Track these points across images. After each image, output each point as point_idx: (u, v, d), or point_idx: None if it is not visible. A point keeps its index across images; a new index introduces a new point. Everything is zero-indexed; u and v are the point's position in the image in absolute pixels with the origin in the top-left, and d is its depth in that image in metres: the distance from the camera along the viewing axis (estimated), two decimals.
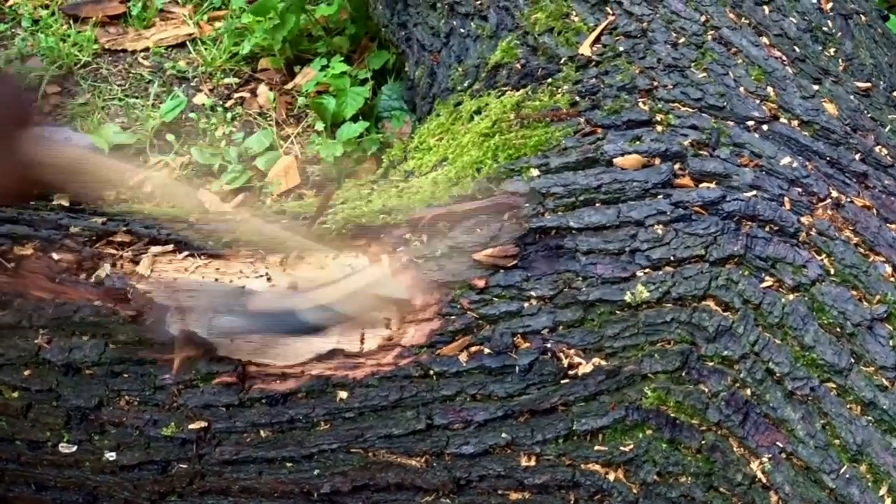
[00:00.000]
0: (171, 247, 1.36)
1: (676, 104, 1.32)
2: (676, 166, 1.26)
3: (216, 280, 1.31)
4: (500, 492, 1.25)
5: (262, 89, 2.15)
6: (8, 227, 1.34)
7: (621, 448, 1.21)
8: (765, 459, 1.11)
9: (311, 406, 1.25)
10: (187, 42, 2.23)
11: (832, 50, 1.39)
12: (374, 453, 1.24)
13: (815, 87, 1.32)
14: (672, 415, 1.19)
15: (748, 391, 1.14)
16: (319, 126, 2.02)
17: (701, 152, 1.26)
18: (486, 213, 1.30)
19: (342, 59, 2.11)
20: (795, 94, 1.30)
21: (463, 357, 1.23)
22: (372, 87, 2.08)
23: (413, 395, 1.23)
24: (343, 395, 1.24)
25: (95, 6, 2.27)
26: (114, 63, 2.20)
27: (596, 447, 1.21)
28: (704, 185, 1.24)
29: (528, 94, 1.43)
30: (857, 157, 1.24)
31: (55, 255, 1.34)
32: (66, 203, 1.52)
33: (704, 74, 1.34)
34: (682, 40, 1.38)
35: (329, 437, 1.25)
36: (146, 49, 2.22)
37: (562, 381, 1.21)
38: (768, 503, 1.10)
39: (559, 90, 1.40)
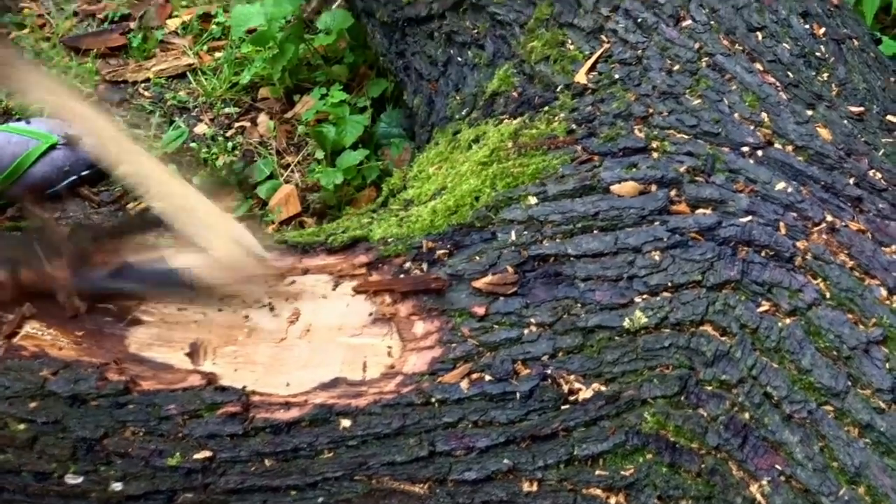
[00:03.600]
0: None
1: (672, 131, 1.32)
2: (673, 193, 1.26)
3: None
4: None
5: (263, 118, 2.15)
6: None
7: (622, 472, 1.20)
8: (764, 482, 1.11)
9: (315, 435, 1.24)
10: (187, 72, 2.24)
11: (825, 75, 1.39)
12: (378, 480, 1.24)
13: (809, 113, 1.32)
14: (672, 439, 1.19)
15: (747, 415, 1.14)
16: (319, 154, 2.03)
17: (697, 178, 1.27)
18: None
19: (341, 87, 2.11)
20: (789, 120, 1.31)
21: (464, 384, 1.23)
22: (371, 115, 2.08)
23: (416, 422, 1.23)
24: (346, 423, 1.24)
25: (96, 38, 2.28)
26: (115, 94, 2.20)
27: (597, 472, 1.21)
28: (700, 211, 1.24)
29: (526, 122, 1.44)
30: (852, 181, 1.24)
31: None
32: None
33: (699, 101, 1.34)
34: (677, 67, 1.39)
35: (333, 465, 1.24)
36: (147, 80, 2.22)
37: (562, 407, 1.21)
38: None
39: (556, 118, 1.41)
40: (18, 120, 2.06)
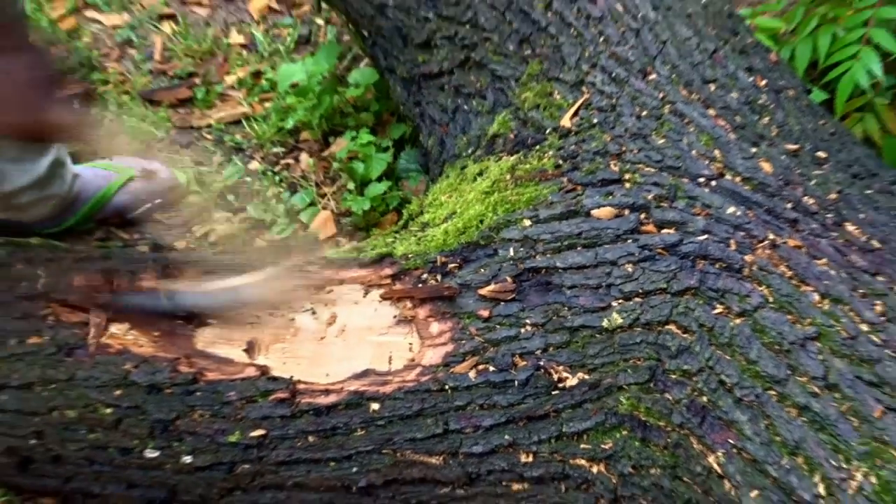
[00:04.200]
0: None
1: (641, 165, 1.32)
2: (642, 216, 1.26)
3: None
4: (503, 483, 1.25)
5: (304, 157, 2.15)
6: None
7: (602, 446, 1.21)
8: (719, 454, 1.11)
9: (350, 416, 1.25)
10: (242, 119, 2.24)
11: (766, 119, 1.39)
12: (401, 454, 1.24)
13: (754, 150, 1.33)
14: (643, 418, 1.19)
15: (704, 398, 1.14)
16: (351, 185, 2.03)
17: (662, 204, 1.26)
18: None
19: (368, 130, 2.11)
20: (737, 156, 1.31)
21: (472, 374, 1.23)
22: (393, 154, 2.08)
23: (432, 405, 1.23)
24: (375, 406, 1.24)
25: (168, 92, 2.28)
26: (183, 138, 2.21)
27: (581, 445, 1.21)
28: (665, 231, 1.24)
29: (521, 158, 1.44)
30: (789, 206, 1.25)
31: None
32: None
33: (663, 141, 1.34)
34: (645, 113, 1.38)
35: (364, 441, 1.25)
36: (209, 125, 2.22)
37: (553, 393, 1.21)
38: (723, 490, 1.10)
39: (545, 155, 1.41)
40: (103, 158, 2.06)
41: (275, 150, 2.16)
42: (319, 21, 2.44)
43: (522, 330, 1.24)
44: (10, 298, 1.42)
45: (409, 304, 1.31)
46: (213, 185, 2.04)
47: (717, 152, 1.32)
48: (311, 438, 1.25)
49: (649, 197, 1.28)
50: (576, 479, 1.23)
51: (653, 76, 1.43)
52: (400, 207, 1.99)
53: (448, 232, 1.38)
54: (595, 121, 1.41)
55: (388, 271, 1.35)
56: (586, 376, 1.21)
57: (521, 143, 1.47)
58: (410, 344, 1.28)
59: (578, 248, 1.27)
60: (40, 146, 1.71)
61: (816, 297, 1.13)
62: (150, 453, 1.30)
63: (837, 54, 1.94)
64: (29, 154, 1.70)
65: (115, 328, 1.36)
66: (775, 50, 1.82)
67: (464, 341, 1.26)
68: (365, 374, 1.27)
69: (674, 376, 1.17)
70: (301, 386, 1.27)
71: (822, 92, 1.98)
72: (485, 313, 1.26)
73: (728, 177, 1.28)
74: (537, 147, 1.44)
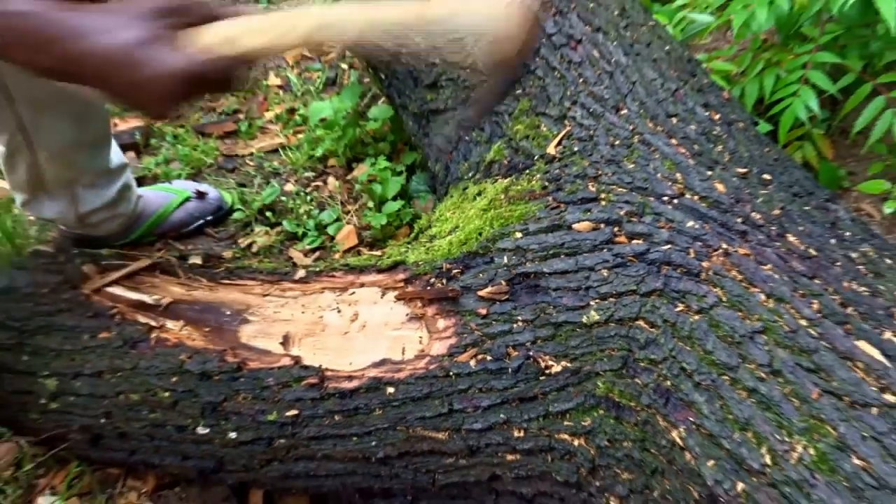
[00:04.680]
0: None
1: (615, 186, 1.32)
2: (615, 229, 1.26)
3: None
4: (499, 454, 1.24)
5: (331, 180, 2.16)
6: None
7: (582, 423, 1.20)
8: (681, 429, 1.10)
9: (369, 398, 1.25)
10: (279, 149, 2.24)
11: (720, 147, 1.39)
12: (413, 430, 1.25)
13: (709, 173, 1.32)
14: (617, 399, 1.18)
15: (668, 382, 1.14)
16: (370, 204, 2.03)
17: (632, 219, 1.26)
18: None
19: (385, 158, 2.11)
20: (695, 178, 1.31)
21: (472, 363, 1.23)
22: (405, 177, 2.08)
23: (439, 389, 1.23)
24: (391, 390, 1.25)
25: (216, 125, 2.29)
26: (229, 164, 2.21)
27: (565, 423, 1.21)
28: (635, 241, 1.24)
29: (513, 181, 1.43)
30: (740, 220, 1.24)
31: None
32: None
33: (633, 166, 1.34)
34: (618, 142, 1.38)
35: (382, 419, 1.25)
36: (251, 154, 2.23)
37: (540, 378, 1.21)
38: (684, 460, 1.09)
39: (534, 178, 1.40)
40: (163, 182, 2.07)
41: (306, 174, 2.16)
42: (344, 66, 2.45)
43: (514, 325, 1.24)
44: (83, 299, 1.43)
45: (419, 303, 1.31)
46: (253, 204, 2.04)
47: (678, 175, 1.31)
48: (336, 417, 1.26)
49: (621, 213, 1.27)
50: (560, 450, 1.22)
51: (624, 111, 1.43)
52: (412, 222, 1.99)
53: (452, 243, 1.38)
54: (576, 149, 1.41)
55: (401, 276, 1.35)
56: (568, 364, 1.21)
57: (514, 167, 1.47)
58: (420, 337, 1.28)
59: (562, 256, 1.27)
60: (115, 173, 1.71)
61: (763, 296, 1.13)
62: (202, 430, 1.31)
63: (780, 92, 1.94)
64: (101, 181, 1.72)
65: (170, 324, 1.37)
66: (727, 89, 1.82)
67: (465, 335, 1.26)
68: (382, 362, 1.27)
69: (642, 364, 1.17)
70: (328, 373, 1.27)
71: (768, 124, 1.98)
72: (483, 311, 1.26)
73: (688, 196, 1.28)
74: (527, 171, 1.44)
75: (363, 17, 0.92)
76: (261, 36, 0.89)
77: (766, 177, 1.36)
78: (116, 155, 1.75)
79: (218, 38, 0.88)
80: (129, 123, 2.24)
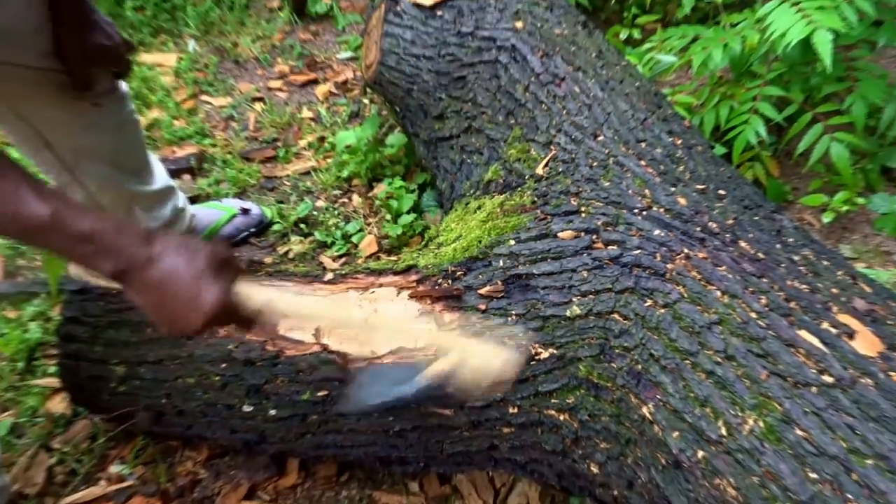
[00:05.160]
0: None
1: (593, 201, 1.32)
2: (594, 237, 1.26)
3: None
4: (497, 428, 1.25)
5: (355, 197, 2.16)
6: None
7: (567, 401, 1.20)
8: (650, 406, 1.11)
9: None
10: (311, 171, 2.25)
11: (682, 167, 1.38)
12: (424, 407, 1.25)
13: (673, 189, 1.32)
14: (595, 381, 1.19)
15: (639, 366, 1.14)
16: (388, 217, 2.03)
17: (608, 228, 1.26)
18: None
19: (400, 178, 2.12)
20: (661, 193, 1.30)
21: None
22: (417, 194, 2.09)
23: None
24: None
25: (258, 152, 2.30)
26: (269, 184, 2.22)
27: (552, 400, 1.21)
28: (610, 247, 1.24)
29: (507, 197, 1.43)
30: (699, 229, 1.24)
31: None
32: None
33: (609, 183, 1.34)
34: (595, 164, 1.38)
35: None
36: (287, 175, 2.23)
37: (531, 363, 1.21)
38: (653, 431, 1.10)
39: (525, 194, 1.41)
40: (214, 199, 2.08)
41: (334, 192, 2.17)
42: (365, 101, 2.45)
43: (509, 318, 1.24)
44: None
45: (428, 300, 1.30)
46: (290, 218, 2.05)
47: (646, 191, 1.31)
48: None
49: (599, 223, 1.27)
50: (548, 424, 1.22)
51: (601, 137, 1.43)
52: (423, 232, 1.99)
53: (456, 249, 1.38)
54: (560, 170, 1.41)
55: (413, 277, 1.35)
56: (555, 351, 1.21)
57: (508, 186, 1.47)
58: (430, 329, 1.27)
59: (548, 260, 1.26)
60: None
61: (718, 293, 1.13)
62: (246, 408, 1.31)
63: (734, 120, 1.94)
64: (155, 203, 1.71)
65: None
66: (688, 118, 1.81)
67: (468, 327, 1.25)
68: (398, 351, 1.26)
69: (617, 350, 1.17)
70: (353, 359, 1.27)
71: (723, 147, 1.98)
72: (482, 307, 1.26)
73: (655, 208, 1.28)
74: (519, 189, 1.44)
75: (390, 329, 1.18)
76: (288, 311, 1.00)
77: (721, 192, 1.36)
78: (163, 178, 1.74)
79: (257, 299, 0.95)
80: (185, 150, 2.24)
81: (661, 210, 1.27)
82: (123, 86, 1.49)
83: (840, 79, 1.96)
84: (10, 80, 1.26)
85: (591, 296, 1.21)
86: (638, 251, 1.21)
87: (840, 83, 1.95)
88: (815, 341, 1.04)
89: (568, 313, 1.21)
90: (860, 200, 2.00)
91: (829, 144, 1.90)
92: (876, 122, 2.02)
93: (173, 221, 1.77)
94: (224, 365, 1.31)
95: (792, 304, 1.10)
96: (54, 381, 1.61)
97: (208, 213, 1.95)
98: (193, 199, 2.05)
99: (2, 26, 1.16)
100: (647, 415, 1.11)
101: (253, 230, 2.01)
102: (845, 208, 1.97)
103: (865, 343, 1.04)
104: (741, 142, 1.91)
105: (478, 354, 1.00)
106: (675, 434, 1.07)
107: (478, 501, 1.48)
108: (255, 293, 0.94)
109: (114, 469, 1.51)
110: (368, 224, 2.07)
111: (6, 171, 0.80)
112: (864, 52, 2.04)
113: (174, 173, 2.10)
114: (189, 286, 0.86)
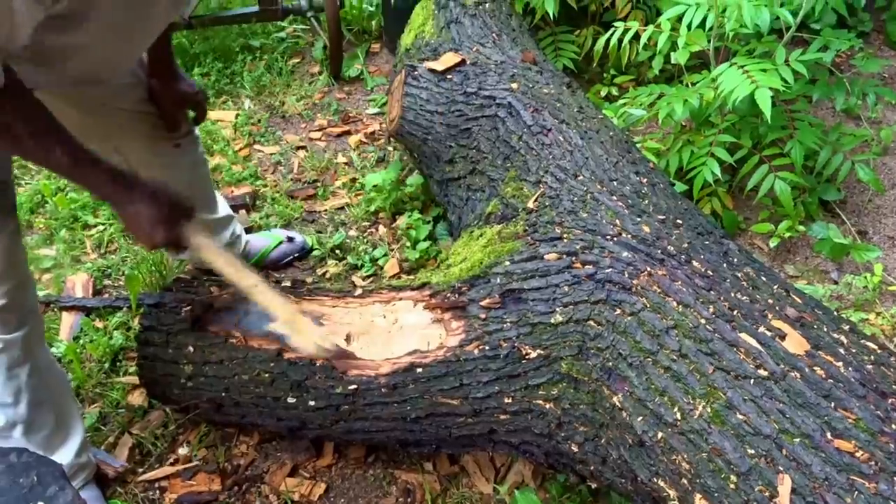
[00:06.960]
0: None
1: (574, 229, 1.34)
2: (573, 259, 1.28)
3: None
4: (495, 415, 1.26)
5: (381, 227, 2.18)
6: None
7: (552, 392, 1.22)
8: (620, 396, 1.13)
9: (405, 377, 1.27)
10: (345, 206, 2.27)
11: (647, 201, 1.41)
12: (435, 398, 1.26)
13: (639, 219, 1.34)
14: (575, 376, 1.20)
15: (610, 363, 1.16)
16: (408, 244, 2.05)
17: (585, 252, 1.28)
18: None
19: (418, 211, 2.15)
20: (630, 223, 1.32)
21: (476, 351, 1.25)
22: (432, 225, 2.11)
23: (453, 369, 1.26)
24: (420, 370, 1.27)
25: (301, 191, 2.31)
26: (310, 217, 2.24)
27: (540, 392, 1.23)
28: (587, 267, 1.25)
29: (504, 226, 1.45)
30: (659, 252, 1.25)
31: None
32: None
33: (587, 214, 1.36)
34: (576, 199, 1.40)
35: (414, 391, 1.27)
36: (325, 210, 2.25)
37: (522, 361, 1.23)
38: (622, 417, 1.12)
39: (518, 224, 1.43)
40: (265, 230, 2.12)
41: (363, 223, 2.19)
42: (390, 148, 2.49)
43: (504, 325, 1.25)
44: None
45: (439, 311, 1.32)
46: (327, 245, 2.07)
47: (617, 221, 1.33)
48: (383, 390, 1.28)
49: (578, 247, 1.29)
50: (537, 412, 1.24)
51: (580, 177, 1.45)
52: (436, 256, 2.02)
53: (462, 269, 1.39)
54: (547, 204, 1.42)
55: (427, 292, 1.37)
56: (542, 352, 1.22)
57: (505, 217, 1.48)
58: (440, 334, 1.30)
59: (537, 277, 1.28)
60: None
61: (674, 303, 1.15)
62: (290, 400, 1.33)
63: (694, 162, 1.98)
64: (217, 229, 1.77)
65: None
66: (655, 161, 1.86)
67: (471, 332, 1.27)
68: (414, 352, 1.29)
69: (592, 351, 1.18)
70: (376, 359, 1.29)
71: (684, 185, 2.01)
72: (483, 316, 1.28)
73: (624, 235, 1.29)
74: (514, 219, 1.45)
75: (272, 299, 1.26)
76: (218, 261, 1.22)
77: (679, 221, 1.38)
78: (223, 208, 1.81)
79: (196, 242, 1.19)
80: (241, 190, 2.29)
81: (629, 236, 1.29)
82: (196, 131, 1.57)
83: (783, 127, 2.00)
84: (115, 119, 1.38)
85: (571, 306, 1.23)
86: (609, 270, 1.23)
87: (782, 130, 1.99)
88: (753, 342, 1.07)
89: (552, 320, 1.23)
90: (801, 228, 2.03)
91: (773, 182, 1.94)
92: (813, 163, 2.06)
93: (232, 244, 1.83)
94: (272, 364, 1.33)
95: (735, 312, 1.12)
96: (134, 379, 1.64)
97: (260, 240, 2.00)
98: (248, 230, 2.09)
99: (118, 82, 1.33)
100: (617, 403, 1.13)
101: (296, 255, 2.05)
102: (789, 234, 2.00)
103: (794, 343, 1.07)
104: (700, 180, 1.94)
105: (304, 332, 1.23)
106: (640, 419, 1.09)
107: (481, 478, 1.50)
108: (200, 239, 1.18)
109: (182, 451, 1.55)
110: (392, 250, 2.09)
111: (63, 136, 1.01)
112: (803, 104, 2.09)
113: (233, 209, 2.13)
114: (146, 224, 1.10)
